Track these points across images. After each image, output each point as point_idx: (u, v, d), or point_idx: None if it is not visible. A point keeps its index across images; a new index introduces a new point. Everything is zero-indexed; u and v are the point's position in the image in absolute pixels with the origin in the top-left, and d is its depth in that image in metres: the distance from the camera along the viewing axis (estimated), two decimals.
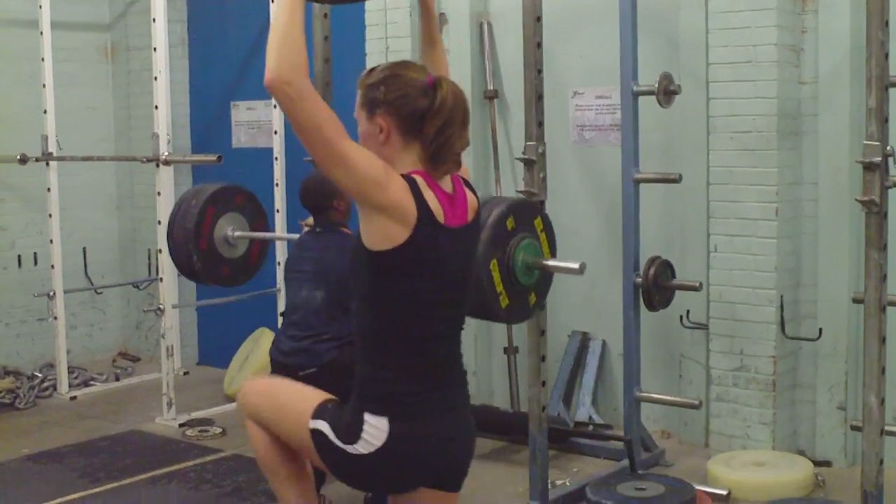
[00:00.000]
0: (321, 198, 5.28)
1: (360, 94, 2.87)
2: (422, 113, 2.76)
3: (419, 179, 2.74)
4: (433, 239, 2.72)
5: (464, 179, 2.95)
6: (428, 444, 2.89)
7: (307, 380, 5.00)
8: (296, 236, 5.65)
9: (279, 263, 7.59)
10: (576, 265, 4.75)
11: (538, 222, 4.76)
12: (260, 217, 6.20)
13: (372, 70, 2.88)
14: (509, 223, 4.56)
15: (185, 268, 6.04)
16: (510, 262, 4.56)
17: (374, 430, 2.87)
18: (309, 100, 2.60)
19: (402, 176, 2.74)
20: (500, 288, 4.54)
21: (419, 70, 2.82)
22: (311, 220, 5.51)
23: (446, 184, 2.84)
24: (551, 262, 4.74)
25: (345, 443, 2.94)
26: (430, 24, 3.22)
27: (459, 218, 2.83)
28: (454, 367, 2.96)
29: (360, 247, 2.77)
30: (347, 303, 5.08)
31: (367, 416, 2.89)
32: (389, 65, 2.86)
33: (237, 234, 6.03)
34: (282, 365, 5.15)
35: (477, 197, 2.96)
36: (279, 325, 7.69)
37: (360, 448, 2.91)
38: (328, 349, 5.05)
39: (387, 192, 2.66)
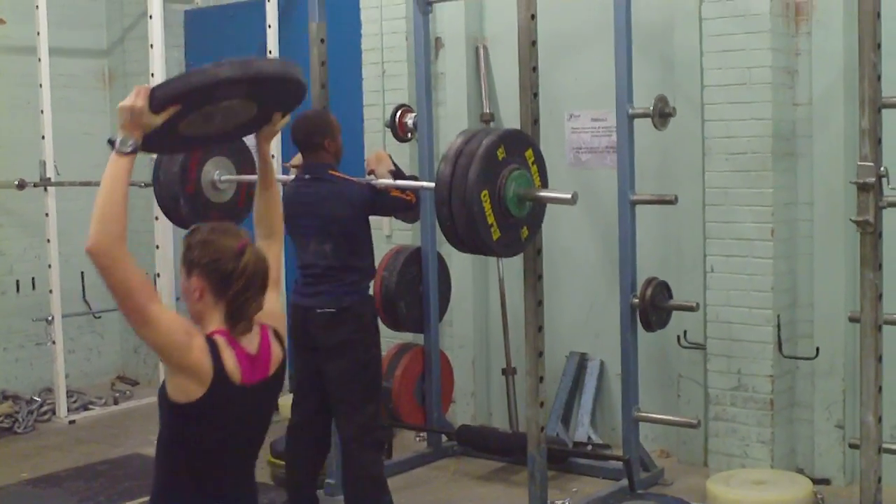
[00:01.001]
0: (313, 135, 5.21)
1: (182, 253, 3.04)
2: (228, 275, 2.93)
3: (220, 340, 2.92)
4: (225, 397, 2.91)
5: (275, 330, 3.12)
6: None
7: (324, 317, 5.03)
8: (284, 177, 5.51)
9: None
10: (568, 195, 4.66)
11: (529, 154, 4.70)
12: (248, 163, 6.00)
13: (195, 229, 3.07)
14: (500, 153, 4.50)
15: (171, 212, 5.88)
16: (501, 192, 4.51)
17: None
18: (121, 269, 2.75)
19: (207, 336, 2.92)
20: (491, 219, 4.49)
21: (233, 237, 2.99)
22: (297, 159, 5.43)
23: (251, 341, 3.01)
24: (543, 193, 4.69)
25: None
26: (264, 168, 3.40)
27: (259, 374, 3.01)
28: (242, 490, 3.12)
29: (164, 391, 2.96)
30: (357, 248, 5.09)
31: None
32: (209, 229, 3.04)
33: (224, 177, 5.86)
34: (301, 307, 5.15)
35: (283, 349, 3.13)
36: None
37: None
38: (347, 293, 5.08)
39: (187, 355, 2.85)
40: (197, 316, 2.99)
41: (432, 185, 4.67)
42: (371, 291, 5.38)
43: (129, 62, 8.89)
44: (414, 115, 6.57)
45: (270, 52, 7.66)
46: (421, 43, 6.51)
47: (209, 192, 5.84)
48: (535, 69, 5.02)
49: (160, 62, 7.38)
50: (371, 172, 5.32)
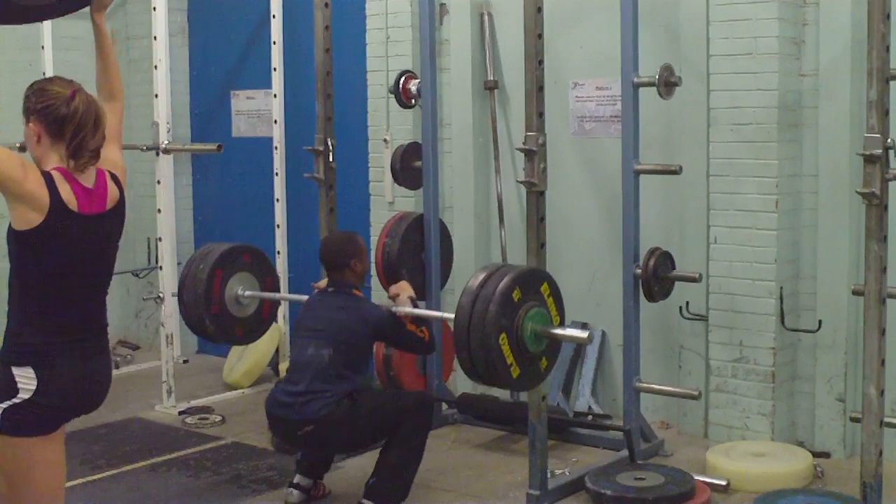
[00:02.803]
0: (340, 256, 5.35)
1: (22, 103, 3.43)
2: (62, 119, 3.33)
3: (56, 174, 3.31)
4: (63, 223, 3.30)
5: (111, 174, 3.49)
6: (69, 385, 3.44)
7: (307, 436, 5.08)
8: (305, 297, 5.68)
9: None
10: (584, 335, 4.78)
11: (545, 288, 4.74)
12: (269, 273, 6.14)
13: (33, 83, 3.44)
14: (515, 295, 4.54)
15: (198, 331, 6.04)
16: (519, 332, 4.54)
17: (25, 380, 3.37)
18: None
19: (43, 172, 3.31)
20: (510, 360, 4.54)
21: (64, 84, 3.38)
22: (323, 282, 5.54)
23: (88, 178, 3.40)
24: (559, 332, 4.70)
25: (8, 400, 3.39)
26: (98, 37, 3.74)
27: (96, 206, 3.40)
28: (90, 323, 3.53)
29: (9, 227, 3.32)
30: (355, 363, 5.13)
31: (14, 370, 3.39)
32: (41, 80, 3.47)
33: (247, 293, 5.95)
34: (277, 417, 5.21)
35: (120, 189, 3.52)
36: (278, 314, 7.73)
37: (21, 397, 3.38)
38: (326, 404, 5.05)
39: (22, 185, 3.23)
40: (38, 159, 3.38)
41: (451, 316, 4.73)
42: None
43: (132, 25, 8.84)
44: (418, 81, 6.54)
45: (274, 16, 7.61)
46: (426, 9, 6.46)
47: (233, 308, 5.93)
48: (540, 36, 4.97)
49: (163, 25, 7.34)
50: (393, 297, 5.41)
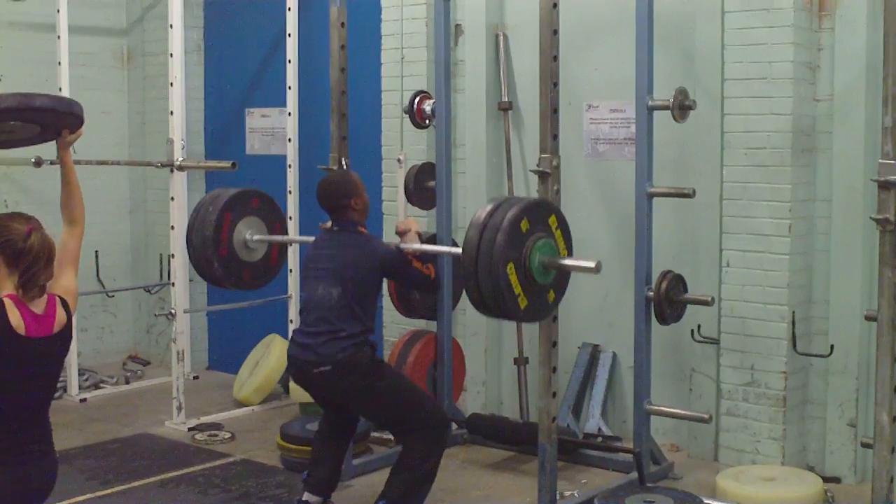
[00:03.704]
0: (337, 197, 5.32)
1: None
2: (18, 253, 3.58)
3: (7, 301, 3.56)
4: (10, 346, 3.53)
5: (62, 300, 3.74)
6: (4, 488, 3.59)
7: (322, 377, 5.05)
8: (311, 238, 5.67)
9: (291, 271, 7.61)
10: (591, 264, 4.69)
11: (552, 220, 4.72)
12: (277, 218, 6.20)
13: None
14: (523, 224, 4.53)
15: (206, 274, 6.05)
16: (527, 263, 4.53)
17: None
18: None
19: None
20: (518, 290, 4.52)
21: (22, 221, 3.65)
22: (329, 223, 5.52)
23: (38, 304, 3.65)
24: (567, 262, 4.71)
25: None
26: (63, 169, 4.06)
27: (44, 331, 3.63)
28: (32, 431, 3.67)
29: None
30: (363, 300, 5.12)
31: None
32: (3, 216, 3.70)
33: (256, 237, 6.03)
34: (298, 361, 5.20)
35: (68, 314, 3.76)
36: (290, 332, 7.73)
37: None
38: (343, 347, 5.08)
39: None
40: None
41: (459, 251, 4.72)
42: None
43: (148, 42, 8.89)
44: (432, 101, 6.55)
45: (289, 34, 7.65)
46: (441, 29, 6.48)
47: (241, 252, 6.00)
48: (555, 58, 4.99)
49: (179, 42, 7.36)
50: (400, 234, 5.42)
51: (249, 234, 6.00)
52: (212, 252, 5.84)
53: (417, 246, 5.29)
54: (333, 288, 5.14)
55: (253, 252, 6.03)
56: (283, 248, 6.31)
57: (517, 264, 4.50)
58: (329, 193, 5.36)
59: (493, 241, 4.45)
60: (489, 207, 4.58)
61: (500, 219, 4.49)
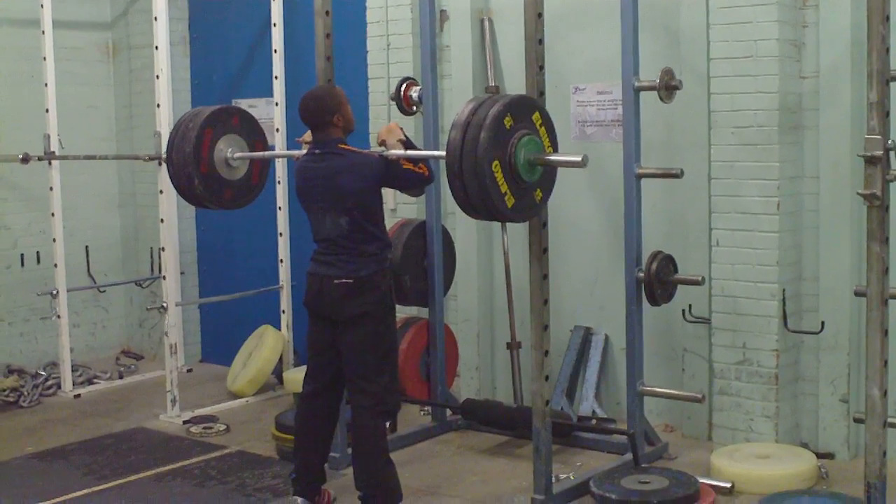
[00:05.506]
0: (321, 113, 5.19)
1: None
2: None
3: None
4: None
5: None
6: None
7: (341, 288, 5.05)
8: (295, 153, 5.60)
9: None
10: (578, 158, 4.65)
11: (536, 117, 4.68)
12: (258, 136, 6.09)
13: None
14: (507, 121, 4.48)
15: (186, 192, 5.91)
16: (512, 160, 4.50)
17: None
18: None
19: None
20: (504, 188, 4.49)
21: None
22: (307, 135, 5.41)
23: None
24: (553, 157, 4.68)
25: None
26: None
27: None
28: None
29: None
30: (372, 217, 5.10)
31: None
32: None
33: (237, 154, 5.90)
34: (318, 276, 5.17)
35: None
36: (283, 323, 7.73)
37: None
38: (366, 263, 5.09)
39: None
40: None
41: (443, 154, 4.65)
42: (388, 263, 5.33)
43: (133, 35, 8.86)
44: (419, 88, 6.55)
45: (274, 24, 7.63)
46: (426, 15, 6.48)
47: (223, 170, 5.88)
48: (540, 42, 4.98)
49: (164, 35, 7.35)
50: (382, 143, 5.28)
51: (230, 151, 5.87)
52: (192, 169, 5.72)
53: (400, 153, 5.16)
54: (340, 218, 5.09)
55: (234, 171, 5.91)
56: (264, 166, 6.16)
57: (502, 162, 4.47)
58: (312, 110, 5.20)
59: (477, 139, 4.41)
60: (471, 105, 4.53)
61: (482, 116, 4.45)
